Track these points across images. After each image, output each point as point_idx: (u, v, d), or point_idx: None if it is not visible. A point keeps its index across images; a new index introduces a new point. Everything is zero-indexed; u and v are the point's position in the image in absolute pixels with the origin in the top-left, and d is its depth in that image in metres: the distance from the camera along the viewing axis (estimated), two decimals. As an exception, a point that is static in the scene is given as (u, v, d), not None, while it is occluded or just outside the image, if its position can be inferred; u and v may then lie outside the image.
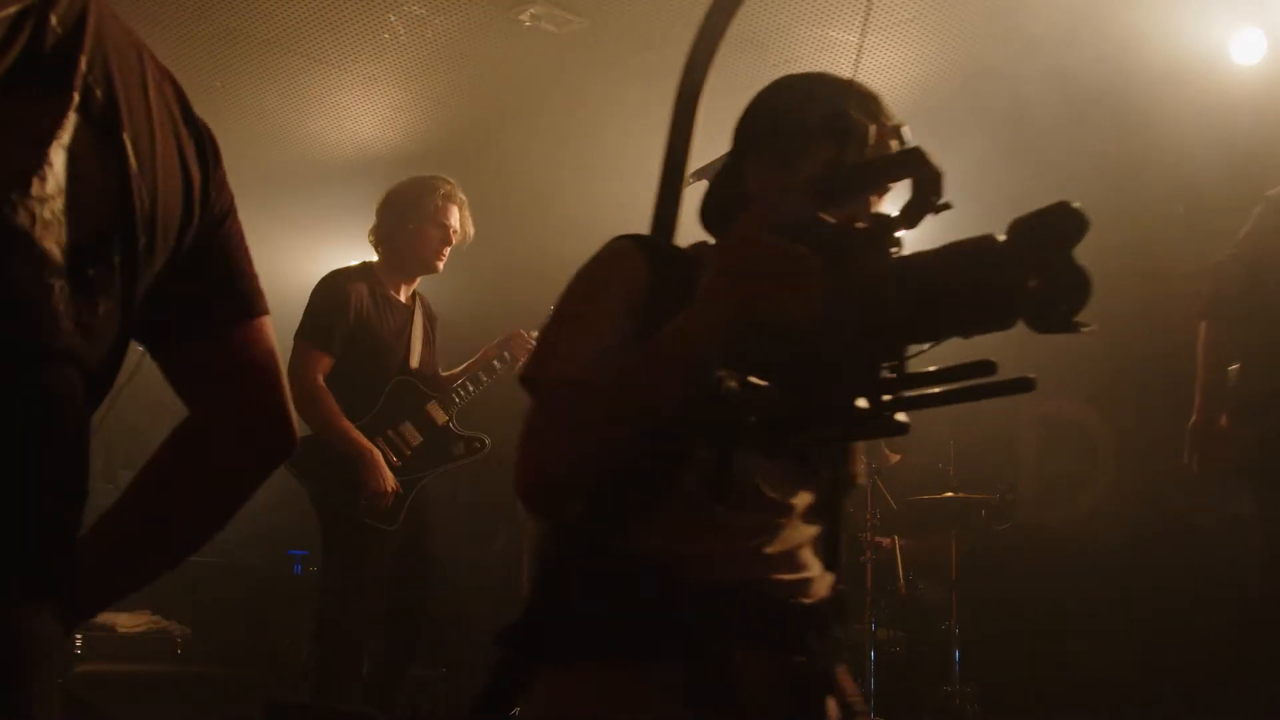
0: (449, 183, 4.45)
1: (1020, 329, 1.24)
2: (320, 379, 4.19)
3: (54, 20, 1.01)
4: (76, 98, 1.02)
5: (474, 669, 5.92)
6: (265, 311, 1.27)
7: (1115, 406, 5.33)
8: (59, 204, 0.99)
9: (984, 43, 5.07)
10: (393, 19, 5.02)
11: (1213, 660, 4.62)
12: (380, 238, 4.44)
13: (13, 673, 0.95)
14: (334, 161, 6.43)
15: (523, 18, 4.94)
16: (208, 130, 1.21)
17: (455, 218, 4.47)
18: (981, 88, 5.33)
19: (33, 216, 0.96)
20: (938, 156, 1.37)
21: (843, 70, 1.76)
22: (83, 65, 1.03)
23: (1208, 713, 4.62)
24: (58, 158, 0.99)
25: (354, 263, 4.52)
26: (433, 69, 5.50)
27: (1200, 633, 4.67)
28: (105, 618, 5.50)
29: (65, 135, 1.00)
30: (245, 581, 6.90)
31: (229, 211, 1.23)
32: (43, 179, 0.98)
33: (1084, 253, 1.21)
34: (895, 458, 5.06)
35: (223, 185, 1.23)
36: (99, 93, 1.04)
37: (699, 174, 3.44)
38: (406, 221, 4.36)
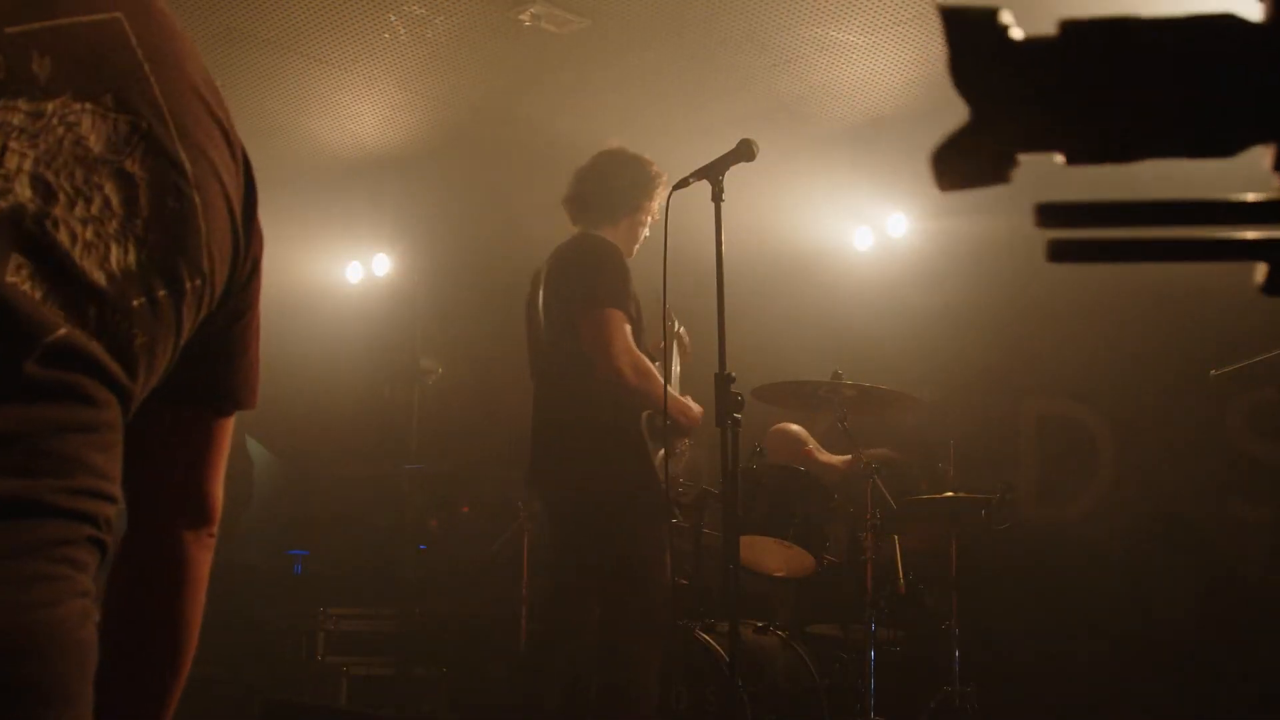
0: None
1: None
2: None
3: (133, 38, 0.99)
4: (144, 122, 1.00)
5: (474, 669, 5.92)
6: (245, 406, 1.23)
7: (1115, 406, 5.33)
8: (108, 228, 0.97)
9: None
10: (393, 19, 5.02)
11: (1212, 660, 4.62)
12: (610, 210, 3.93)
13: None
14: (334, 161, 6.43)
15: (523, 18, 4.94)
16: (247, 163, 1.17)
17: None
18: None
19: (74, 236, 0.95)
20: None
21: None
22: (155, 89, 1.01)
23: (1208, 712, 4.62)
24: (110, 180, 0.97)
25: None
26: (433, 69, 5.50)
27: (1200, 632, 4.67)
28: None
29: (124, 156, 0.98)
30: (245, 581, 6.90)
31: (255, 301, 1.19)
32: (89, 200, 0.96)
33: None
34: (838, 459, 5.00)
35: (258, 279, 1.19)
36: (169, 121, 1.02)
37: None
38: (640, 198, 3.93)
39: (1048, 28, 0.66)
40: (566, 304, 3.63)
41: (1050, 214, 0.66)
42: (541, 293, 3.86)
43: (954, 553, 4.58)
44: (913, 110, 5.61)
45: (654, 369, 3.61)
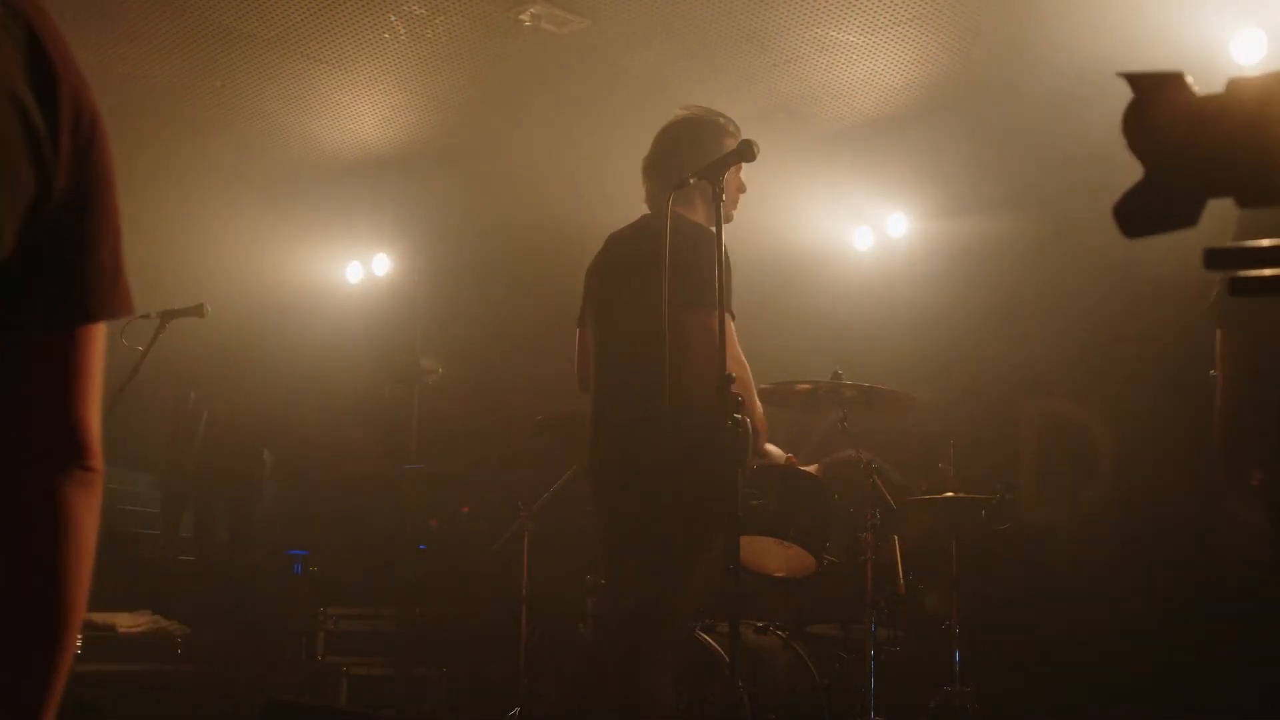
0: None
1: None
2: None
3: None
4: None
5: (474, 669, 5.92)
6: (100, 317, 1.10)
7: (1115, 406, 5.33)
8: None
9: (983, 43, 5.07)
10: (393, 19, 5.02)
11: (1212, 660, 4.62)
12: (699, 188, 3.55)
13: None
14: (334, 161, 6.43)
15: (523, 18, 4.94)
16: (74, 92, 1.05)
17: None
18: (980, 87, 5.33)
19: None
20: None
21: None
22: None
23: (1208, 713, 4.62)
24: None
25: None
26: (433, 69, 5.50)
27: (1199, 632, 4.66)
28: (105, 618, 5.49)
29: None
30: (245, 581, 6.90)
31: (95, 195, 1.07)
32: None
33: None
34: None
35: (95, 163, 1.07)
36: None
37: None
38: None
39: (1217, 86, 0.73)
40: (674, 297, 3.23)
41: (1216, 258, 0.76)
42: (626, 276, 3.47)
43: (954, 553, 4.58)
44: (913, 110, 5.60)
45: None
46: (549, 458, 5.23)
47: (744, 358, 3.43)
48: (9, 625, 1.08)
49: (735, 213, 3.72)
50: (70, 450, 1.09)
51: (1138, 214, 0.77)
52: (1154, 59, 4.72)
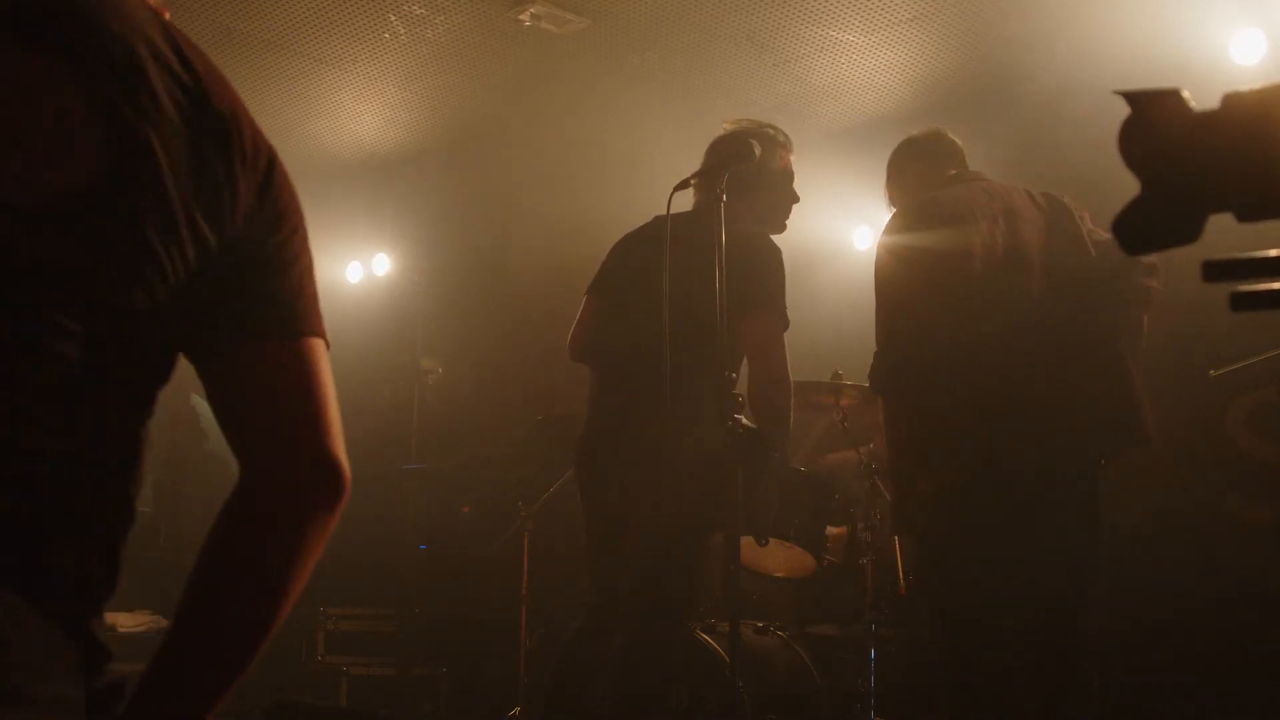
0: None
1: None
2: None
3: None
4: (70, 55, 0.98)
5: (474, 669, 5.93)
6: (313, 334, 1.17)
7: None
8: (41, 158, 0.95)
9: (983, 43, 5.07)
10: (393, 19, 5.02)
11: (1211, 660, 4.62)
12: (753, 191, 3.55)
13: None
14: (334, 161, 6.43)
15: (523, 18, 4.94)
16: (242, 128, 1.12)
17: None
18: (980, 87, 5.34)
19: (6, 171, 0.93)
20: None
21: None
22: (70, 22, 0.99)
23: (1207, 713, 4.62)
24: (44, 112, 0.96)
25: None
26: (433, 69, 5.50)
27: (1198, 633, 4.66)
28: (105, 617, 5.49)
29: (53, 90, 0.96)
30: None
31: (284, 220, 1.15)
32: (24, 132, 0.94)
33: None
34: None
35: (277, 193, 1.15)
36: (102, 54, 1.00)
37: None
38: (767, 174, 3.59)
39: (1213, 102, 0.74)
40: (736, 299, 3.16)
41: (1214, 270, 0.76)
42: (680, 274, 3.26)
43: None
44: (913, 110, 5.60)
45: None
46: (549, 458, 5.22)
47: (790, 377, 3.40)
48: (226, 625, 1.14)
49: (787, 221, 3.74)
50: (321, 467, 1.15)
51: (1138, 230, 0.77)
52: (1154, 59, 4.72)
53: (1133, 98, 0.75)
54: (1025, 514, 3.19)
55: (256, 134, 1.13)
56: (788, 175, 3.70)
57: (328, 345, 1.20)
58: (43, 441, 0.94)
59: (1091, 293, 3.27)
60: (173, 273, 1.03)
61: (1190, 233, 0.76)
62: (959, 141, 3.74)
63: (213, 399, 1.15)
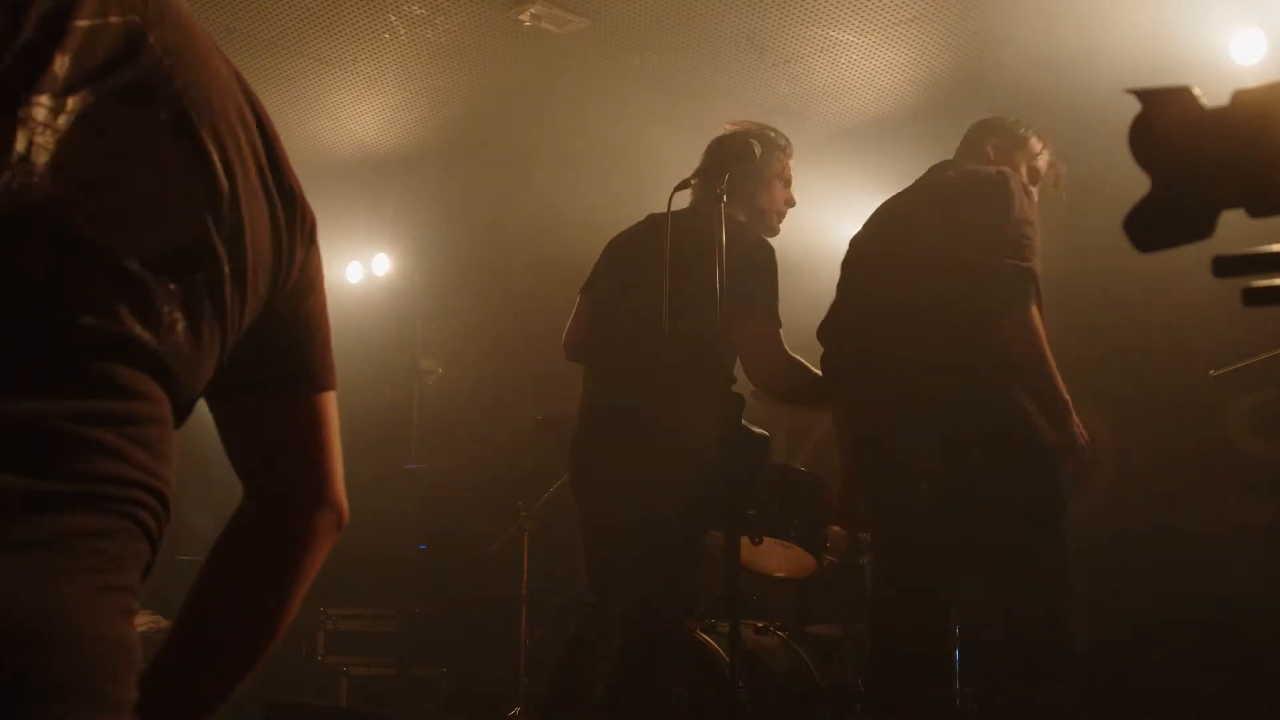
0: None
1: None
2: None
3: (153, 39, 1.01)
4: (167, 116, 1.01)
5: (474, 669, 5.93)
6: (332, 387, 1.29)
7: (1114, 406, 5.33)
8: (135, 214, 0.98)
9: (983, 43, 5.07)
10: (393, 19, 5.02)
11: (1211, 660, 4.62)
12: (749, 192, 3.58)
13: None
14: (334, 161, 6.43)
15: (523, 18, 4.94)
16: (302, 197, 1.20)
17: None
18: (980, 88, 5.33)
19: (105, 224, 0.96)
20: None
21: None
22: (177, 85, 1.03)
23: (1207, 714, 4.62)
24: (139, 169, 0.99)
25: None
26: (433, 69, 5.50)
27: (1198, 634, 4.66)
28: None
29: (151, 149, 1.00)
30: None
31: (316, 283, 1.24)
32: (119, 188, 0.97)
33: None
34: None
35: (316, 259, 1.23)
36: (193, 114, 1.03)
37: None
38: (765, 175, 3.61)
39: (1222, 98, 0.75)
40: (731, 299, 3.13)
41: (1225, 265, 0.76)
42: (675, 274, 3.23)
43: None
44: (913, 110, 5.61)
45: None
46: (549, 458, 5.23)
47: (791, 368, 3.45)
48: (221, 648, 1.23)
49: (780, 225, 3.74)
50: (326, 507, 1.26)
51: (1149, 228, 0.78)
52: (1155, 59, 4.72)
53: (1143, 95, 0.75)
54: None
55: (305, 199, 1.21)
56: (785, 180, 3.70)
57: (335, 390, 1.30)
58: (134, 474, 0.99)
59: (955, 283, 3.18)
60: (235, 325, 1.10)
61: (1203, 229, 0.76)
62: (970, 132, 3.77)
63: (224, 433, 1.24)
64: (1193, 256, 0.82)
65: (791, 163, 3.73)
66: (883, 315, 3.31)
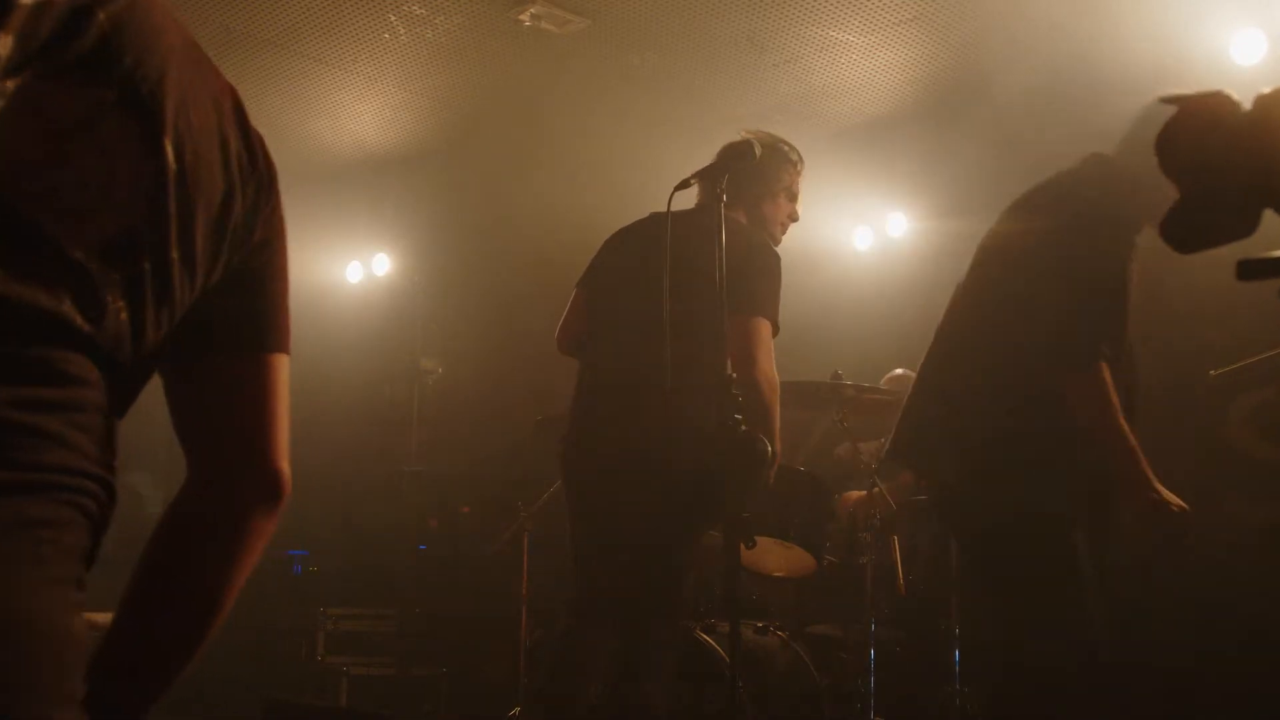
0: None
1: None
2: None
3: (102, 15, 0.99)
4: (114, 94, 0.99)
5: (474, 669, 5.93)
6: (281, 350, 1.21)
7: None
8: (80, 198, 0.96)
9: (983, 43, 5.07)
10: (393, 19, 5.02)
11: (1210, 660, 4.62)
12: (754, 199, 3.63)
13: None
14: (334, 161, 6.43)
15: (523, 18, 4.94)
16: (265, 156, 1.18)
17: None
18: (980, 88, 5.33)
19: (49, 208, 0.94)
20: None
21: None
22: (127, 62, 1.00)
23: (1208, 714, 4.62)
24: (85, 151, 0.97)
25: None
26: (433, 69, 5.50)
27: (1197, 633, 4.66)
28: (106, 618, 5.49)
29: (97, 129, 0.98)
30: (245, 581, 6.89)
31: (272, 241, 1.19)
32: (63, 170, 0.95)
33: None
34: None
35: (272, 216, 1.19)
36: (143, 91, 1.01)
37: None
38: (772, 186, 3.64)
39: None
40: (730, 296, 3.09)
41: (1250, 269, 0.77)
42: (674, 270, 3.16)
43: (954, 553, 4.58)
44: (913, 110, 5.61)
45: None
46: (549, 458, 5.22)
47: (776, 376, 3.36)
48: (163, 625, 1.19)
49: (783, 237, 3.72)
50: (266, 475, 1.19)
51: (1191, 229, 0.78)
52: (1155, 59, 4.72)
53: (1180, 100, 0.77)
54: None
55: (269, 158, 1.19)
56: (791, 194, 3.71)
57: (288, 354, 1.22)
58: (81, 463, 0.98)
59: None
60: (183, 306, 1.07)
61: (1246, 228, 0.77)
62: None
63: (170, 399, 1.19)
64: (1193, 256, 0.82)
65: (801, 180, 3.72)
66: None
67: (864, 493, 4.56)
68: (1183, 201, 0.77)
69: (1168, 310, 4.94)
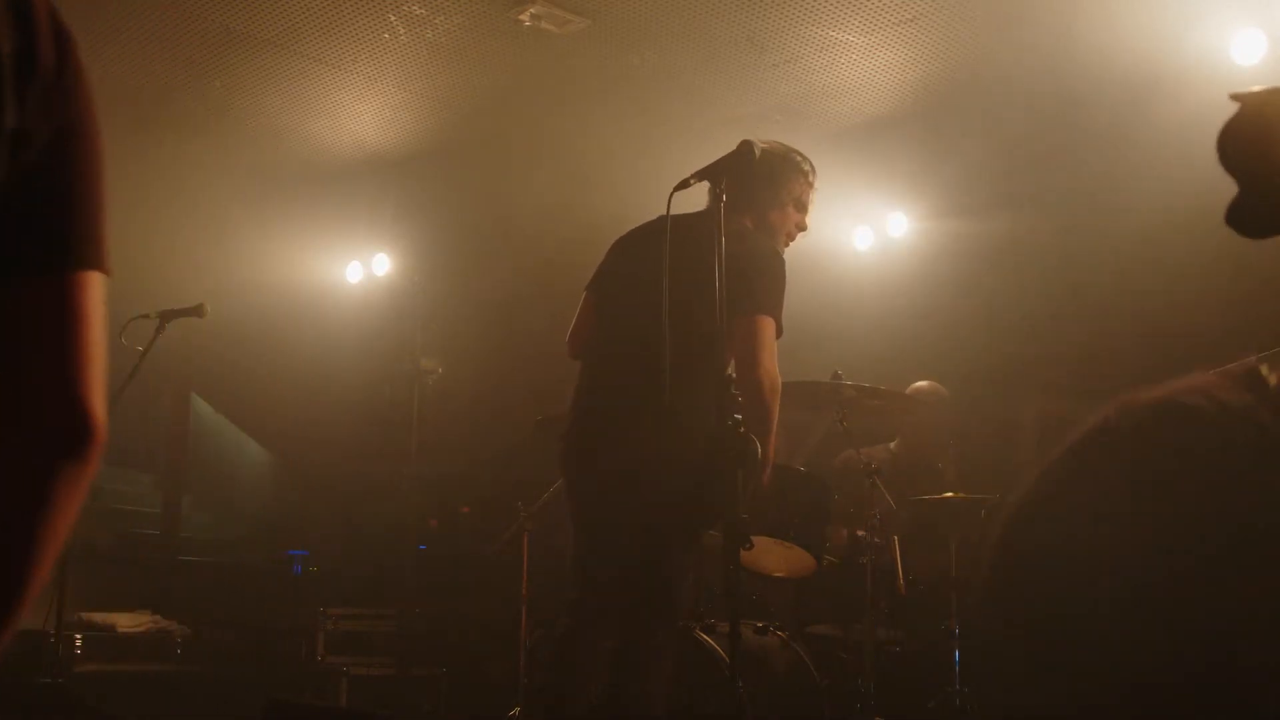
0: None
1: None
2: None
3: None
4: None
5: (474, 669, 5.93)
6: (88, 265, 1.02)
7: (1115, 406, 5.34)
8: None
9: (983, 43, 5.07)
10: (393, 19, 5.02)
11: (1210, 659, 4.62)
12: (762, 207, 3.67)
13: None
14: (334, 161, 6.43)
15: (523, 18, 4.94)
16: (52, 19, 1.00)
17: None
18: (980, 88, 5.33)
19: None
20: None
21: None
22: None
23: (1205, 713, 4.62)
24: None
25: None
26: (433, 69, 5.50)
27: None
28: (105, 618, 5.50)
29: None
30: (245, 581, 6.90)
31: (71, 130, 1.01)
32: None
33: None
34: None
35: (67, 100, 1.00)
36: None
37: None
38: (780, 195, 3.69)
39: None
40: (733, 298, 3.11)
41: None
42: (677, 273, 3.17)
43: (954, 553, 4.59)
44: (913, 110, 5.61)
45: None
46: (549, 458, 5.23)
47: (778, 375, 3.35)
48: None
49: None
50: (72, 419, 1.01)
51: (1261, 217, 0.84)
52: (1155, 59, 4.72)
53: (1245, 97, 0.82)
54: None
55: (60, 21, 1.01)
56: (801, 204, 3.72)
57: (108, 272, 1.04)
58: None
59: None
60: None
61: None
62: None
63: None
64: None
65: (813, 194, 3.74)
66: None
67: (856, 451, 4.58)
68: (1246, 190, 0.83)
69: (1167, 310, 4.94)
